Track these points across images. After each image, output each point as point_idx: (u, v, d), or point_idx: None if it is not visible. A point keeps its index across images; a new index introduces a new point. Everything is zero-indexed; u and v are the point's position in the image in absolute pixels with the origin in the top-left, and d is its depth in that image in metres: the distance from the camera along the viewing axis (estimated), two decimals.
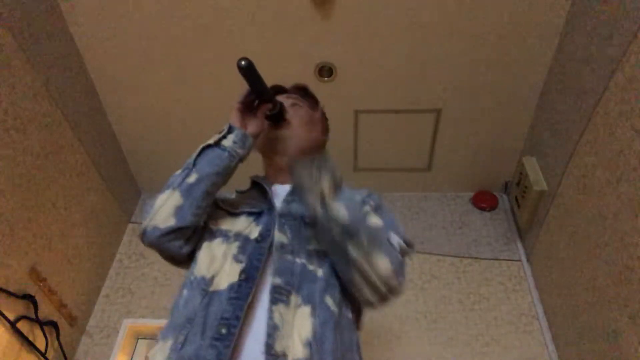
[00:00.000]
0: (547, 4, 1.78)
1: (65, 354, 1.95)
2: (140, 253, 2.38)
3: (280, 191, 1.00)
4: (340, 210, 0.79)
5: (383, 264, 0.80)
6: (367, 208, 0.95)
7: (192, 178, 0.90)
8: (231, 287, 0.82)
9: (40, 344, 1.82)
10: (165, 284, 2.25)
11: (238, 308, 0.79)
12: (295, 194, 0.97)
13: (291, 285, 0.83)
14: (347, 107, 2.17)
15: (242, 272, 0.84)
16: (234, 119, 0.96)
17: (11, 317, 1.68)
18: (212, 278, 0.85)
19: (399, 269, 0.83)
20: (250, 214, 0.96)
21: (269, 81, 2.24)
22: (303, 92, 1.13)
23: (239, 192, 1.05)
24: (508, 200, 2.46)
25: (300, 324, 0.79)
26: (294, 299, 0.82)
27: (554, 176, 1.92)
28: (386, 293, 0.82)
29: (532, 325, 2.02)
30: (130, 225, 2.51)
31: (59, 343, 1.92)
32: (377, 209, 0.96)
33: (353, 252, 0.80)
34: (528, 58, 1.94)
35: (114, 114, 2.26)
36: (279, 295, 0.81)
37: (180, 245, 0.89)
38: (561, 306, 1.89)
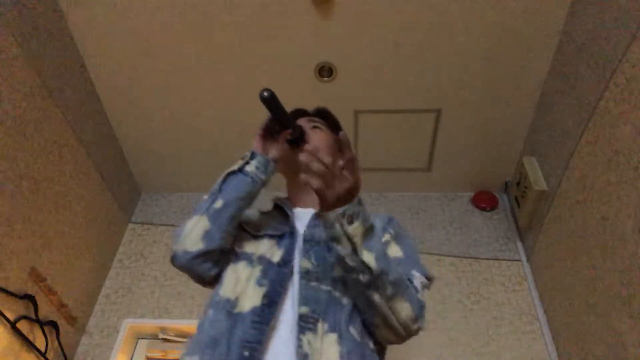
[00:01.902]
0: (548, 4, 1.78)
1: (65, 354, 1.95)
2: (140, 253, 2.38)
3: (301, 214, 1.03)
4: (371, 261, 0.79)
5: (405, 309, 0.83)
6: (387, 236, 0.98)
7: (219, 204, 0.94)
8: (254, 310, 0.86)
9: (40, 344, 1.82)
10: (165, 284, 2.25)
11: (261, 332, 0.83)
12: (318, 220, 0.99)
13: (318, 313, 0.85)
14: (347, 107, 2.17)
15: (264, 296, 0.88)
16: (256, 145, 1.01)
17: (11, 317, 1.68)
18: (237, 300, 0.89)
19: (420, 313, 0.86)
20: (272, 236, 1.00)
21: (270, 82, 2.26)
22: (324, 115, 1.18)
23: (262, 213, 1.09)
24: (508, 200, 2.46)
25: (328, 351, 0.82)
26: (321, 326, 0.84)
27: (554, 176, 1.92)
28: (405, 336, 0.86)
29: (532, 325, 2.02)
30: (130, 225, 2.51)
31: (59, 343, 1.92)
32: (397, 237, 1.00)
33: (376, 297, 0.82)
34: (528, 58, 1.94)
35: (114, 114, 2.26)
36: (305, 324, 0.84)
37: (209, 267, 0.94)
38: (561, 306, 1.89)
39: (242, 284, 0.91)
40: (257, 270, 0.92)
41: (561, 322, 1.90)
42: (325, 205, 0.77)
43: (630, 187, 1.40)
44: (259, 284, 0.90)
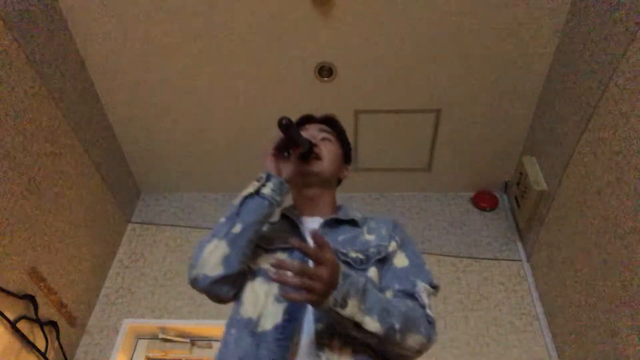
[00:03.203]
0: (547, 4, 1.78)
1: (65, 354, 1.95)
2: (140, 253, 2.38)
3: (310, 224, 1.05)
4: (376, 328, 0.82)
5: (416, 340, 0.86)
6: (394, 245, 1.00)
7: (237, 228, 0.95)
8: (276, 327, 0.88)
9: (40, 344, 1.82)
10: (165, 284, 2.25)
11: (284, 349, 0.86)
12: (327, 226, 1.03)
13: (333, 329, 0.87)
14: (347, 107, 2.17)
15: (285, 312, 0.90)
16: (270, 165, 1.01)
17: (11, 317, 1.68)
18: (258, 319, 0.91)
19: (431, 334, 0.89)
20: (284, 249, 1.00)
21: (270, 82, 2.25)
22: (331, 122, 1.19)
23: (270, 224, 1.10)
24: (508, 200, 2.46)
25: None
26: (337, 340, 0.87)
27: (554, 176, 1.92)
28: (418, 355, 0.89)
29: (532, 325, 2.02)
30: (130, 225, 2.51)
31: (59, 343, 1.92)
32: (403, 245, 1.02)
33: (388, 346, 0.86)
34: (528, 58, 1.94)
35: (114, 114, 2.26)
36: (322, 339, 0.87)
37: (228, 289, 0.96)
38: (561, 306, 1.89)
39: (261, 302, 0.93)
40: (274, 286, 0.94)
41: (561, 322, 1.90)
42: (314, 305, 0.79)
43: (630, 187, 1.40)
44: (278, 300, 0.92)
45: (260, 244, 1.02)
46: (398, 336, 0.84)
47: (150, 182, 2.60)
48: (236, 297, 0.98)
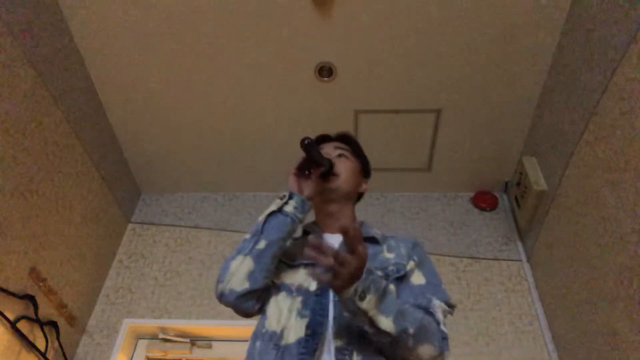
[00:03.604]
0: (547, 4, 1.78)
1: (65, 354, 1.95)
2: (140, 253, 2.38)
3: (331, 241, 1.07)
4: (389, 327, 0.84)
5: (428, 350, 0.89)
6: (411, 264, 1.04)
7: (262, 244, 1.00)
8: (299, 341, 0.92)
9: (40, 344, 1.82)
10: (165, 284, 2.25)
11: None
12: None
13: (352, 345, 0.91)
14: (347, 107, 2.17)
15: (307, 327, 0.94)
16: (292, 184, 1.07)
17: (11, 317, 1.69)
18: (282, 332, 0.95)
19: (443, 347, 0.91)
20: (307, 265, 1.05)
21: (270, 82, 2.25)
22: (347, 139, 1.25)
23: (294, 240, 1.15)
24: (508, 200, 2.46)
25: None
26: (355, 355, 0.91)
27: (554, 176, 1.92)
28: None
29: (532, 325, 2.02)
30: (130, 225, 2.51)
31: (59, 343, 1.92)
32: (421, 264, 1.05)
33: (399, 349, 0.89)
34: (528, 58, 1.94)
35: (114, 114, 2.26)
36: (342, 356, 0.90)
37: (254, 303, 1.01)
38: (561, 306, 1.89)
39: (285, 316, 0.97)
40: (297, 301, 0.98)
41: (561, 322, 1.90)
42: (336, 290, 0.83)
43: (630, 187, 1.40)
44: (301, 315, 0.96)
45: (285, 260, 1.07)
46: (411, 341, 0.86)
47: (150, 182, 2.60)
48: (261, 310, 1.02)
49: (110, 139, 2.32)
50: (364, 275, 0.81)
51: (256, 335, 1.01)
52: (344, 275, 0.80)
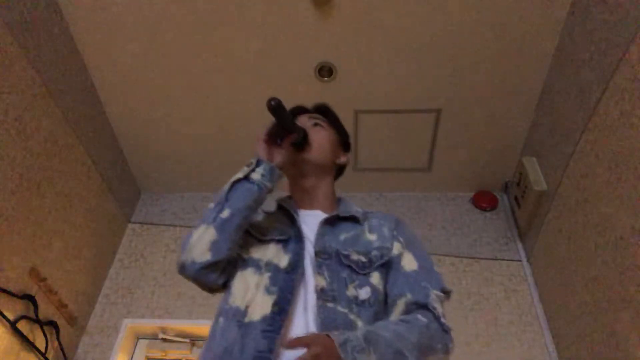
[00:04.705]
0: (548, 4, 1.78)
1: (65, 354, 1.95)
2: (140, 253, 2.38)
3: (307, 217, 1.02)
4: None
5: (433, 357, 0.87)
6: (398, 247, 0.99)
7: (226, 213, 0.93)
8: (264, 319, 0.86)
9: (40, 344, 1.82)
10: (165, 284, 2.25)
11: (272, 341, 0.83)
12: (328, 224, 1.00)
13: (329, 326, 0.86)
14: (347, 107, 2.17)
15: (274, 304, 0.88)
16: (261, 151, 0.99)
17: (11, 317, 1.69)
18: (247, 309, 0.89)
19: (447, 344, 0.89)
20: (278, 241, 0.99)
21: (270, 82, 2.25)
22: (324, 111, 1.17)
23: (266, 214, 1.08)
24: (508, 200, 2.46)
25: None
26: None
27: (554, 176, 1.92)
28: None
29: (532, 325, 2.02)
30: (130, 225, 2.51)
31: (59, 343, 1.92)
32: (408, 245, 1.01)
33: None
34: (528, 58, 1.94)
35: (114, 114, 2.26)
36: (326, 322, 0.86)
37: (217, 277, 0.94)
38: (561, 306, 1.89)
39: (251, 292, 0.91)
40: (265, 277, 0.92)
41: (561, 322, 1.90)
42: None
43: (630, 187, 1.40)
44: (268, 291, 0.90)
45: (255, 234, 1.00)
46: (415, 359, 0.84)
47: (150, 182, 2.60)
48: (225, 286, 0.96)
49: (110, 139, 2.32)
50: (342, 355, 0.77)
51: (219, 312, 0.94)
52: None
